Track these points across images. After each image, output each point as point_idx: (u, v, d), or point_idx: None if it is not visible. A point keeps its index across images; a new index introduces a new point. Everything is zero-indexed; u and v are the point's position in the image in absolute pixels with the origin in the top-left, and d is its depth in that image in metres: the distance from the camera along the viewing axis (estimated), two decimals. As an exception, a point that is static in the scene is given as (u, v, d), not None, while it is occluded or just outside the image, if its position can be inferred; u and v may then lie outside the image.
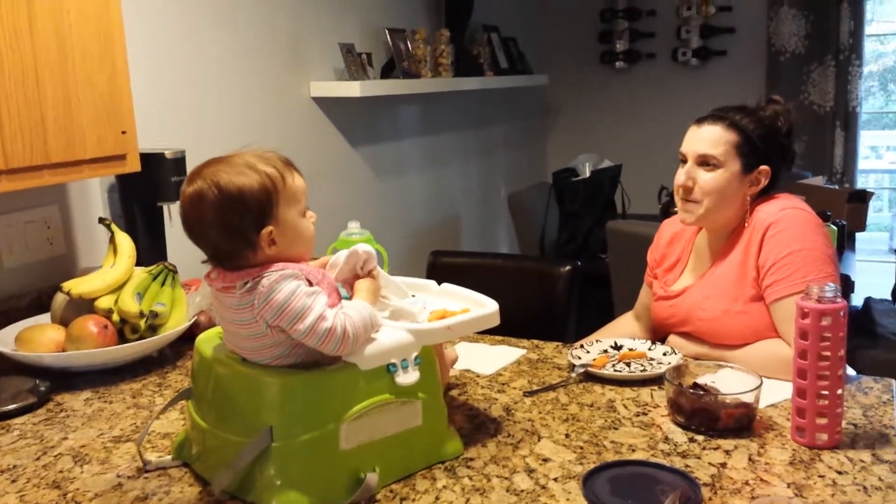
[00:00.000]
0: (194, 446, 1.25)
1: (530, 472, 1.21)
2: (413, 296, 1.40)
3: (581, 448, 1.28)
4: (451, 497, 1.14)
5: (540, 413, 1.43)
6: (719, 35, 4.59)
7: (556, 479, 1.18)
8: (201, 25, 2.41)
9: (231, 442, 1.15)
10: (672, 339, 1.74)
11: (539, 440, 1.32)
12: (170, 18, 2.30)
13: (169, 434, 1.39)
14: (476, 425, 1.39)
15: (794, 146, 1.70)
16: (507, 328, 1.96)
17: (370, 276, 1.28)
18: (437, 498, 1.14)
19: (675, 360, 1.61)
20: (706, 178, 1.62)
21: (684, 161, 1.67)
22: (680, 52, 4.69)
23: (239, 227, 1.12)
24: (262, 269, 1.12)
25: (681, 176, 1.66)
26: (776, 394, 1.45)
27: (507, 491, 1.15)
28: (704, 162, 1.63)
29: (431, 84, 3.39)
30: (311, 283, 1.14)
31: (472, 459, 1.25)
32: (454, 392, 1.53)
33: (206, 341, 1.26)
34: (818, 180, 3.99)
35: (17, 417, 1.49)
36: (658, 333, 1.81)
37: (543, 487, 1.16)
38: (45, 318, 1.79)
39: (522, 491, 1.15)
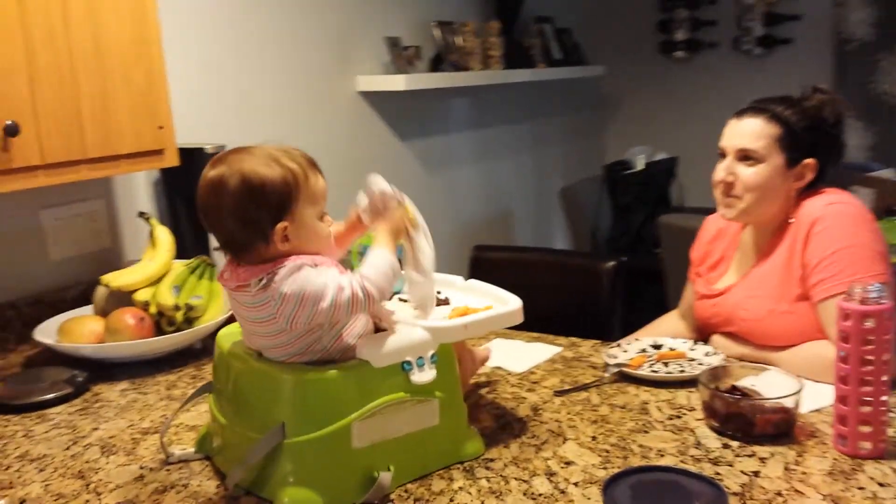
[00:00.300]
0: (215, 440, 1.25)
1: (551, 475, 1.17)
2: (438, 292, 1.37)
3: (607, 452, 1.24)
4: (467, 499, 1.12)
5: (569, 414, 1.38)
6: (784, 23, 4.42)
7: (576, 484, 1.14)
8: (244, 19, 2.43)
9: (247, 437, 1.14)
10: (715, 339, 1.67)
11: (564, 442, 1.28)
12: (214, 13, 2.32)
13: (196, 427, 1.40)
14: (501, 425, 1.35)
15: (843, 137, 1.60)
16: (549, 325, 1.92)
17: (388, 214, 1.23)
18: (451, 500, 1.12)
19: (716, 361, 1.55)
20: (747, 173, 1.55)
21: (724, 156, 1.59)
22: (743, 40, 4.53)
23: (256, 218, 1.11)
24: (274, 264, 1.10)
25: (720, 171, 1.59)
26: (822, 398, 1.37)
27: (525, 495, 1.12)
28: (745, 157, 1.56)
29: (480, 77, 3.35)
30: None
31: (492, 460, 1.22)
32: (483, 390, 1.50)
33: (227, 336, 1.26)
34: (888, 173, 3.81)
35: (54, 407, 1.52)
36: (702, 333, 1.74)
37: (563, 492, 1.12)
38: (88, 310, 1.83)
39: (540, 495, 1.12)
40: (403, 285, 1.48)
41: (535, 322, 2.05)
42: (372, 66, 2.97)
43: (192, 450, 1.28)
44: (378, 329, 1.22)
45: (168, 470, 1.24)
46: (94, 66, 1.65)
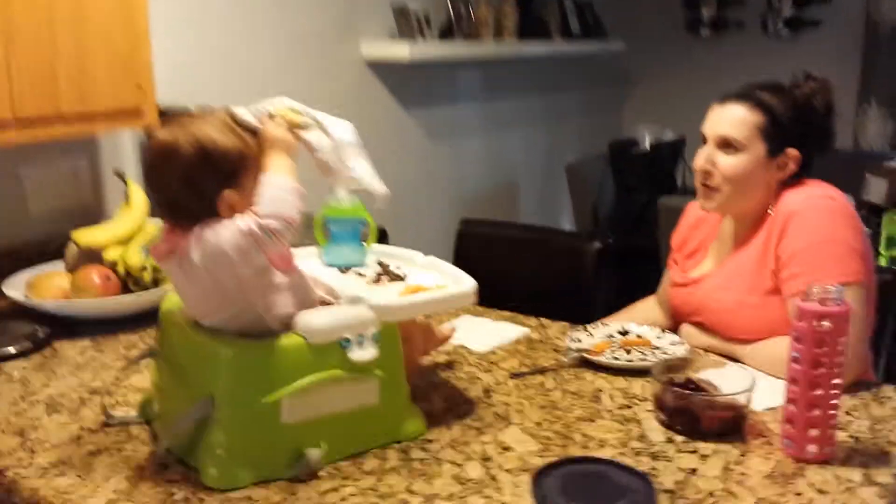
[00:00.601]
0: (155, 405, 1.24)
1: (486, 460, 1.15)
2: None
3: (548, 439, 1.21)
4: (394, 480, 1.10)
5: (519, 398, 1.36)
6: (813, 4, 4.28)
7: (509, 471, 1.12)
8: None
9: (182, 405, 1.13)
10: (684, 328, 1.63)
11: (507, 426, 1.25)
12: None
13: (143, 390, 1.39)
14: (449, 405, 1.33)
15: (833, 128, 1.54)
16: (530, 304, 1.90)
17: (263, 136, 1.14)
18: (379, 479, 1.10)
19: (681, 351, 1.51)
20: (727, 162, 1.50)
21: (705, 142, 1.54)
22: (770, 21, 4.40)
23: (205, 185, 1.09)
24: None
25: (699, 159, 1.54)
26: (779, 397, 1.32)
27: (454, 478, 1.10)
28: (725, 144, 1.50)
29: (492, 48, 3.28)
30: None
31: (430, 441, 1.20)
32: (439, 369, 1.48)
33: (172, 302, 1.25)
34: (909, 163, 3.69)
35: (11, 361, 1.52)
36: (675, 321, 1.70)
37: (493, 478, 1.10)
38: (61, 265, 1.82)
39: (469, 480, 1.10)
40: (365, 259, 1.46)
41: (516, 300, 2.03)
42: (377, 31, 2.92)
43: (135, 414, 1.28)
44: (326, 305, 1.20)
45: (106, 432, 1.24)
46: (73, 23, 1.63)
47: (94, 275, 1.66)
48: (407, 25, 2.92)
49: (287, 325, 1.13)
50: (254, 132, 1.14)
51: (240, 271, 1.07)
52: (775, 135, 1.48)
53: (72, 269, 1.75)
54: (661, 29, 4.72)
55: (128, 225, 1.76)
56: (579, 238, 2.19)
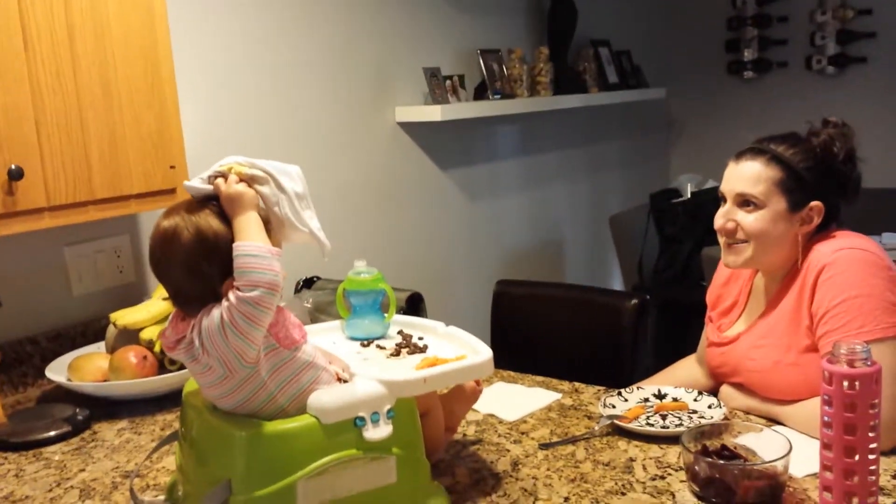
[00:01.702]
0: (180, 488, 1.25)
1: (508, 540, 1.12)
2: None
3: (575, 515, 1.17)
4: (413, 564, 1.07)
5: (548, 470, 1.32)
6: (858, 40, 4.20)
7: (531, 551, 1.08)
8: (278, 50, 2.46)
9: (203, 488, 1.13)
10: (724, 389, 1.58)
11: (535, 503, 1.22)
12: (246, 48, 2.36)
13: (173, 472, 1.40)
14: (475, 480, 1.30)
15: (856, 172, 1.48)
16: (568, 365, 1.87)
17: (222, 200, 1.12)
18: (398, 563, 1.08)
19: (718, 415, 1.46)
20: (748, 220, 1.46)
21: (724, 200, 1.50)
22: (815, 59, 4.33)
23: (206, 272, 1.11)
24: None
25: (719, 218, 1.50)
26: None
27: (474, 561, 1.07)
28: (744, 202, 1.46)
29: (526, 104, 3.30)
30: None
31: (453, 521, 1.18)
32: (467, 439, 1.46)
33: (193, 384, 1.26)
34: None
35: (52, 445, 1.55)
36: (715, 381, 1.65)
37: (515, 560, 1.07)
38: (102, 346, 1.87)
39: (490, 562, 1.07)
40: (386, 331, 1.46)
41: (554, 361, 2.00)
42: (412, 96, 2.96)
43: (163, 497, 1.28)
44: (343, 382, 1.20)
45: (134, 517, 1.25)
46: (103, 108, 1.68)
47: (132, 355, 1.70)
48: (439, 87, 2.96)
49: (301, 406, 1.13)
50: (213, 198, 1.13)
51: (239, 349, 1.06)
52: (795, 189, 1.44)
53: (111, 350, 1.79)
54: (702, 73, 4.69)
55: (165, 304, 1.80)
56: (617, 295, 2.15)
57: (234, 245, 1.08)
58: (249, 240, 1.08)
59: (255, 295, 1.04)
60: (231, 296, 1.05)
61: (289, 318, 1.16)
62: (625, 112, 4.27)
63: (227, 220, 1.12)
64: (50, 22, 1.59)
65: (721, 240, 1.52)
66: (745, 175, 1.46)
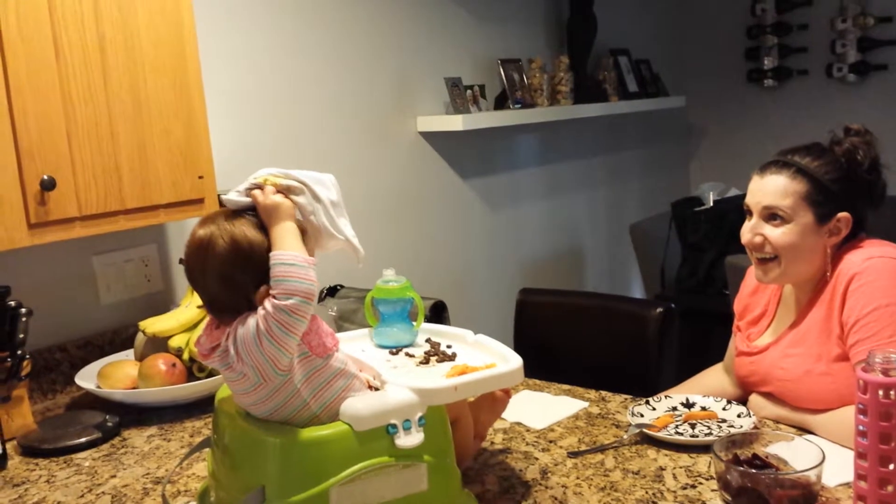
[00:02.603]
0: (212, 494, 1.26)
1: (540, 548, 1.12)
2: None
3: (606, 523, 1.17)
4: (446, 571, 1.08)
5: (577, 479, 1.32)
6: (880, 48, 4.18)
7: (563, 560, 1.08)
8: (301, 63, 2.48)
9: (235, 495, 1.14)
10: (753, 398, 1.57)
11: (564, 511, 1.22)
12: (272, 61, 2.39)
13: (204, 478, 1.41)
14: (505, 489, 1.30)
15: (882, 180, 1.48)
16: (592, 374, 1.86)
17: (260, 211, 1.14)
18: (430, 571, 1.08)
19: (747, 423, 1.45)
20: (775, 234, 1.45)
21: (750, 214, 1.50)
22: (835, 67, 4.31)
23: (240, 281, 1.12)
24: None
25: (746, 233, 1.49)
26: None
27: (507, 569, 1.07)
28: (771, 216, 1.46)
29: (546, 113, 3.31)
30: None
31: (484, 529, 1.18)
32: (496, 448, 1.46)
33: (225, 391, 1.27)
34: None
35: (83, 451, 1.57)
36: (743, 390, 1.64)
37: (547, 568, 1.07)
38: (131, 354, 1.89)
39: (522, 571, 1.07)
40: (415, 339, 1.46)
41: (578, 371, 1.99)
42: (433, 106, 2.98)
43: (195, 503, 1.29)
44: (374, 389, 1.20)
45: (166, 523, 1.26)
46: (133, 118, 1.70)
47: (160, 362, 1.71)
48: (460, 97, 2.97)
49: (333, 413, 1.14)
50: (252, 209, 1.15)
51: (273, 357, 1.07)
52: (822, 201, 1.43)
53: (140, 358, 1.80)
54: (722, 82, 4.68)
55: (193, 311, 1.82)
56: (641, 304, 2.15)
57: (272, 254, 1.09)
58: (287, 249, 1.09)
59: (291, 303, 1.05)
60: (267, 304, 1.06)
61: (321, 326, 1.17)
62: (644, 120, 4.27)
63: (262, 229, 1.13)
64: (81, 34, 1.62)
65: (750, 255, 1.51)
66: (771, 189, 1.46)
